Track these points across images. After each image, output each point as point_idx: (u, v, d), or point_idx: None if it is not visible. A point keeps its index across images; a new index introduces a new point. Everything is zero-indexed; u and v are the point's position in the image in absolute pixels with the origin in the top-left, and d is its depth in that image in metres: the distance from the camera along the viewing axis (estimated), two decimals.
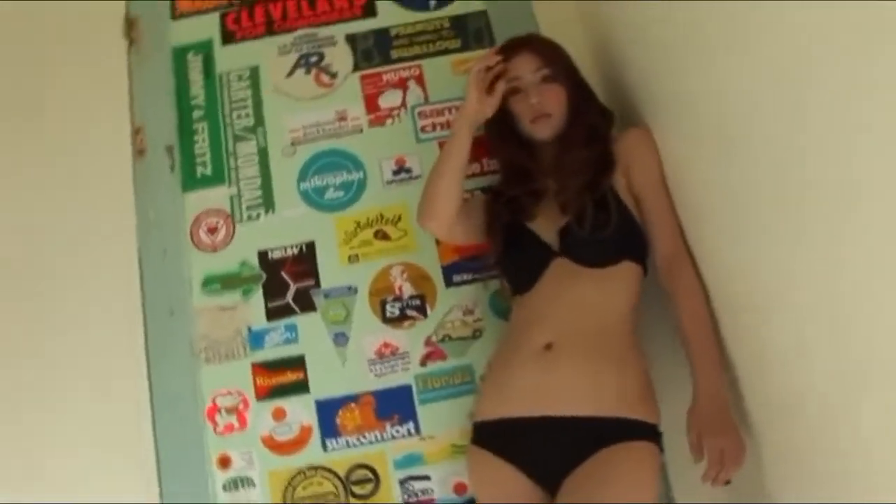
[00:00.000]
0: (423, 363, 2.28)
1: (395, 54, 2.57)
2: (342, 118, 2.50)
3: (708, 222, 1.87)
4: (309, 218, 2.41)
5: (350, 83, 2.55)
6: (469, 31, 2.57)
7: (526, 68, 2.08)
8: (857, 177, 1.23)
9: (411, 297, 2.32)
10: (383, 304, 2.31)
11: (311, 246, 2.38)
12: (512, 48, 2.12)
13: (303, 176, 2.46)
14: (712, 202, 1.81)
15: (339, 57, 2.58)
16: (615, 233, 1.95)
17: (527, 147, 2.14)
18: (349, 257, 2.36)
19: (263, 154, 2.48)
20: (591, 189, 1.99)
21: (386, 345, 2.29)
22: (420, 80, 2.53)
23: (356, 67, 2.57)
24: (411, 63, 2.55)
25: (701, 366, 1.86)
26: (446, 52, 2.56)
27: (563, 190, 2.03)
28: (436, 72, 2.54)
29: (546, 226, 2.04)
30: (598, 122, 2.12)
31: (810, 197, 1.37)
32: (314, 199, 2.43)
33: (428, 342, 2.29)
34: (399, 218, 2.39)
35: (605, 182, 2.01)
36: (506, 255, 2.10)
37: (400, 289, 2.33)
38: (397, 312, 2.31)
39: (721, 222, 1.79)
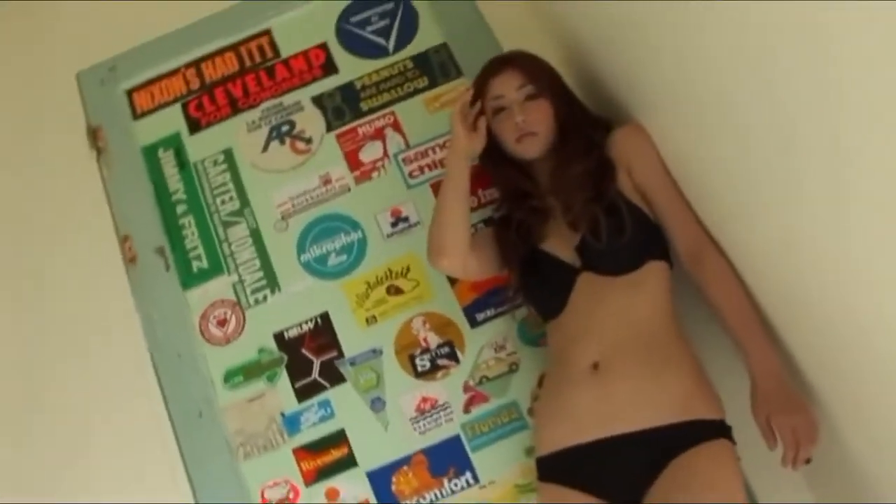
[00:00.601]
0: (466, 410, 2.18)
1: (365, 106, 2.51)
2: (327, 181, 2.43)
3: (717, 203, 1.82)
4: (317, 289, 2.34)
5: (327, 145, 2.49)
6: (434, 67, 2.52)
7: (508, 86, 2.02)
8: (851, 143, 1.19)
9: (439, 346, 2.23)
10: (412, 359, 2.22)
11: (325, 317, 2.30)
12: (493, 67, 2.07)
13: (301, 248, 2.38)
14: (715, 182, 1.75)
15: (311, 121, 2.52)
16: (633, 236, 1.88)
17: (521, 168, 2.08)
18: (367, 320, 2.28)
19: (256, 234, 2.41)
20: (598, 199, 1.92)
21: (425, 399, 2.20)
22: (397, 127, 2.47)
23: (330, 127, 2.50)
24: (384, 111, 2.49)
25: (751, 345, 1.79)
26: (416, 92, 2.50)
27: (569, 208, 1.95)
28: (410, 115, 2.47)
29: (561, 244, 1.96)
30: (590, 133, 2.05)
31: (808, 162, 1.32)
32: (318, 269, 2.35)
33: (467, 387, 2.20)
34: (408, 269, 2.31)
35: (609, 189, 1.94)
36: (527, 282, 2.02)
37: (426, 340, 2.24)
38: (428, 365, 2.22)
39: (727, 201, 1.74)
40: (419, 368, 2.22)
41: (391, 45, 2.57)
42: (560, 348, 1.95)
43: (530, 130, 1.99)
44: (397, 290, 2.30)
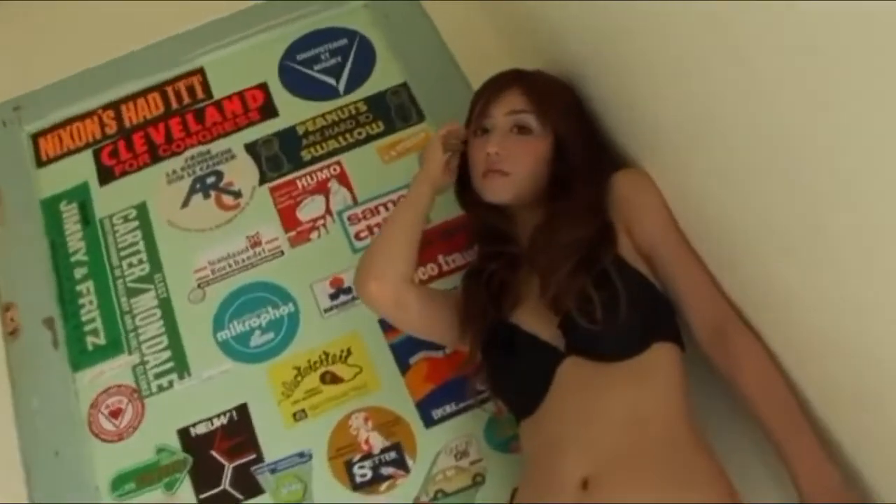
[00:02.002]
0: None
1: (307, 155, 2.05)
2: (256, 243, 1.96)
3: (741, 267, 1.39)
4: (235, 374, 1.83)
5: (259, 199, 2.02)
6: (391, 110, 2.07)
7: (500, 108, 1.59)
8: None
9: (384, 451, 1.71)
10: (349, 466, 1.71)
11: (243, 410, 1.79)
12: (498, 83, 1.64)
13: (219, 324, 1.89)
14: (737, 242, 1.35)
15: (242, 172, 2.06)
16: (632, 311, 1.40)
17: (500, 209, 1.62)
18: (294, 415, 1.77)
19: (166, 305, 1.92)
20: (586, 268, 1.46)
21: None
22: (343, 179, 2.01)
23: (263, 179, 2.04)
24: (329, 161, 2.04)
25: (796, 451, 1.33)
26: (368, 139, 2.05)
27: (547, 284, 1.47)
28: (360, 165, 2.02)
29: (539, 318, 1.48)
30: (598, 192, 1.58)
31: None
32: (238, 350, 1.85)
33: None
34: (348, 353, 1.81)
35: (603, 257, 1.47)
36: (494, 365, 1.53)
37: (367, 443, 1.73)
38: (370, 474, 1.70)
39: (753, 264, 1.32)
40: (358, 479, 1.69)
41: (342, 85, 2.13)
42: (538, 457, 1.44)
43: (500, 168, 1.55)
44: (334, 379, 1.79)
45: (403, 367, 1.78)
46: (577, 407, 1.40)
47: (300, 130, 2.09)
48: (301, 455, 1.73)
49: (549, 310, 1.47)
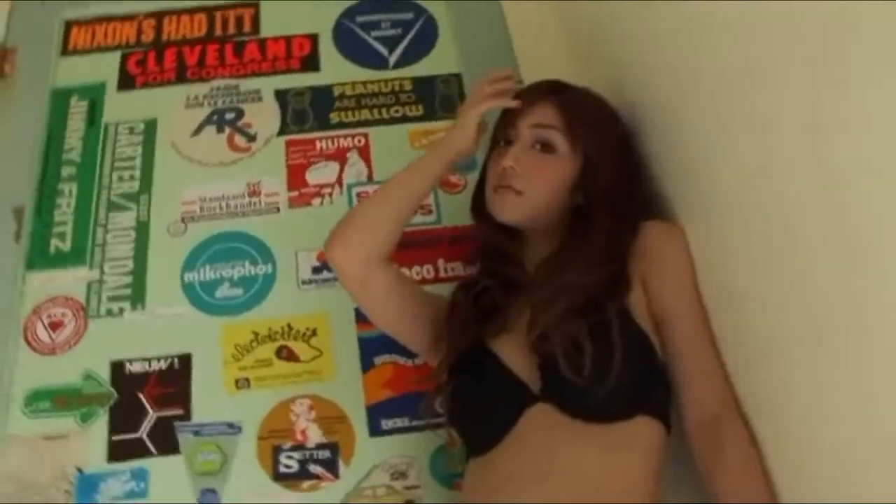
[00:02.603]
0: None
1: (335, 118, 1.88)
2: (254, 193, 1.79)
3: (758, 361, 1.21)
4: (189, 321, 1.67)
5: (272, 149, 1.86)
6: (436, 98, 1.90)
7: (527, 119, 1.41)
8: None
9: (319, 447, 1.53)
10: (277, 451, 1.53)
11: (185, 360, 1.62)
12: (533, 93, 1.45)
13: (190, 263, 1.72)
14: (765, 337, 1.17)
15: (263, 116, 1.89)
16: (625, 373, 1.21)
17: (510, 230, 1.44)
18: (237, 381, 1.59)
19: (143, 230, 1.76)
20: (584, 314, 1.26)
21: None
22: (365, 153, 1.84)
23: (283, 131, 1.88)
24: (355, 130, 1.87)
25: None
26: (404, 119, 1.88)
27: (536, 321, 1.29)
28: (387, 143, 1.85)
29: (520, 354, 1.30)
30: (624, 235, 1.39)
31: None
32: (200, 297, 1.69)
33: None
34: (313, 332, 1.64)
35: (607, 307, 1.27)
36: (457, 390, 1.34)
37: (304, 434, 1.55)
38: (296, 467, 1.52)
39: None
40: (282, 468, 1.52)
41: (393, 58, 1.97)
42: (479, 500, 1.28)
43: (512, 184, 1.37)
44: (290, 355, 1.62)
45: (366, 365, 1.60)
46: (536, 459, 1.22)
47: (336, 91, 1.92)
48: (231, 426, 1.55)
49: (532, 349, 1.31)
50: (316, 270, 1.70)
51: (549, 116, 1.41)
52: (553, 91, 1.45)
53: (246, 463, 1.53)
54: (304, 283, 1.69)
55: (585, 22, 1.78)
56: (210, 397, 1.59)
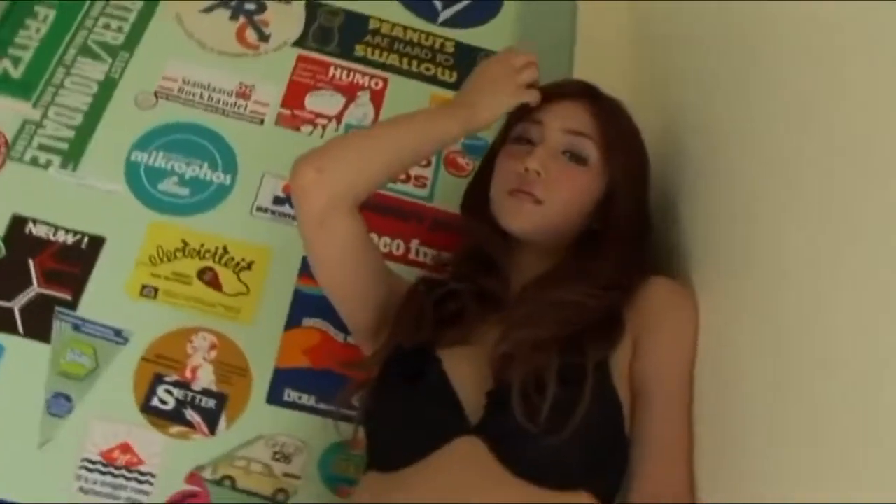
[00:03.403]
0: None
1: (361, 51, 1.62)
2: (243, 95, 1.52)
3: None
4: (117, 204, 1.39)
5: (281, 58, 1.59)
6: None
7: (558, 120, 1.16)
8: None
9: (205, 393, 1.27)
10: (156, 380, 1.26)
11: (97, 243, 1.34)
12: (562, 89, 1.21)
13: (144, 143, 1.45)
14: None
15: (285, 20, 1.62)
16: (582, 436, 0.97)
17: (504, 235, 1.19)
18: (143, 288, 1.32)
19: (109, 88, 1.48)
20: (561, 350, 1.02)
21: (125, 449, 1.22)
22: (378, 98, 1.57)
23: (301, 43, 1.61)
24: (377, 72, 1.60)
25: None
26: (432, 80, 1.61)
27: (504, 339, 1.05)
28: (405, 97, 1.57)
29: (470, 374, 1.05)
30: (619, 277, 1.15)
31: None
32: (141, 182, 1.41)
33: (192, 477, 1.23)
34: (248, 266, 1.37)
35: (588, 351, 1.02)
36: (382, 393, 1.09)
37: (194, 371, 1.28)
38: (171, 405, 1.25)
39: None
40: (154, 401, 1.25)
41: (444, 15, 1.70)
42: None
43: (533, 191, 1.13)
44: (213, 282, 1.35)
45: (293, 321, 1.34)
46: (445, 498, 0.97)
47: (372, 25, 1.66)
48: (117, 333, 1.28)
49: (489, 369, 1.07)
50: (277, 201, 1.43)
51: (585, 123, 1.16)
52: (589, 95, 1.20)
53: (117, 380, 1.26)
54: (258, 209, 1.43)
55: (654, 47, 1.56)
56: (107, 294, 1.32)
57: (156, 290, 1.33)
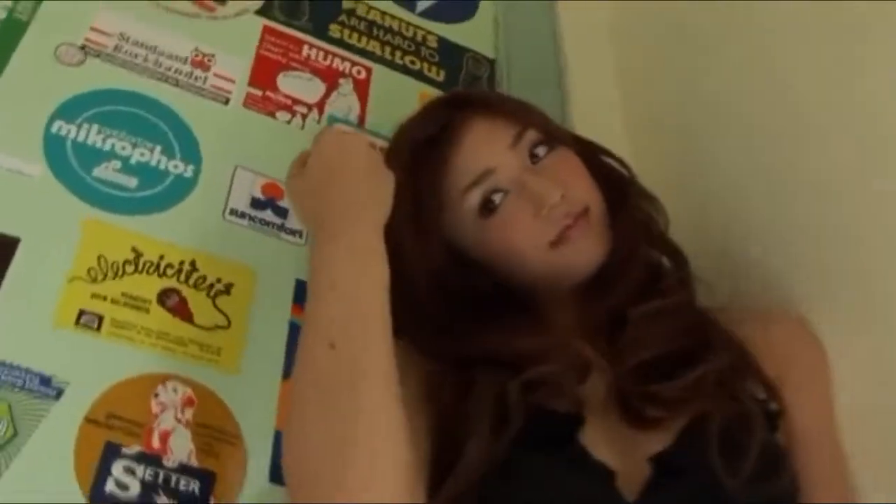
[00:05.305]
0: None
1: (335, 32, 1.20)
2: (201, 65, 1.05)
3: None
4: (37, 191, 0.87)
5: (242, 26, 1.13)
6: (462, 72, 1.27)
7: (495, 146, 0.83)
8: None
9: (183, 471, 0.78)
10: (109, 455, 0.75)
11: (7, 247, 0.82)
12: (448, 128, 0.85)
13: (67, 112, 0.94)
14: None
15: None
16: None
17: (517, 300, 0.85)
18: (79, 315, 0.82)
19: (13, 31, 0.95)
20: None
21: None
22: (362, 88, 1.16)
23: (266, 13, 1.16)
24: (358, 58, 1.19)
25: None
26: (420, 76, 1.23)
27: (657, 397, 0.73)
28: (392, 92, 1.18)
29: (608, 441, 0.74)
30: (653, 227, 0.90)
31: None
32: (67, 164, 0.91)
33: None
34: (226, 290, 0.90)
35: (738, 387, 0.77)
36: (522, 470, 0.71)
37: (164, 439, 0.79)
38: (134, 491, 0.75)
39: None
40: (108, 486, 0.73)
41: (422, 4, 1.32)
42: None
43: (575, 210, 0.80)
44: (180, 309, 0.87)
45: (291, 366, 0.80)
46: None
47: (346, 5, 1.24)
48: (44, 381, 0.77)
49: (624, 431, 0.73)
50: (256, 205, 0.97)
51: (510, 124, 0.85)
52: (469, 102, 0.89)
53: (49, 453, 0.74)
54: (232, 212, 0.96)
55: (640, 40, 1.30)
56: (24, 322, 0.80)
57: (99, 318, 0.82)
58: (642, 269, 0.85)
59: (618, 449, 0.74)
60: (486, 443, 0.71)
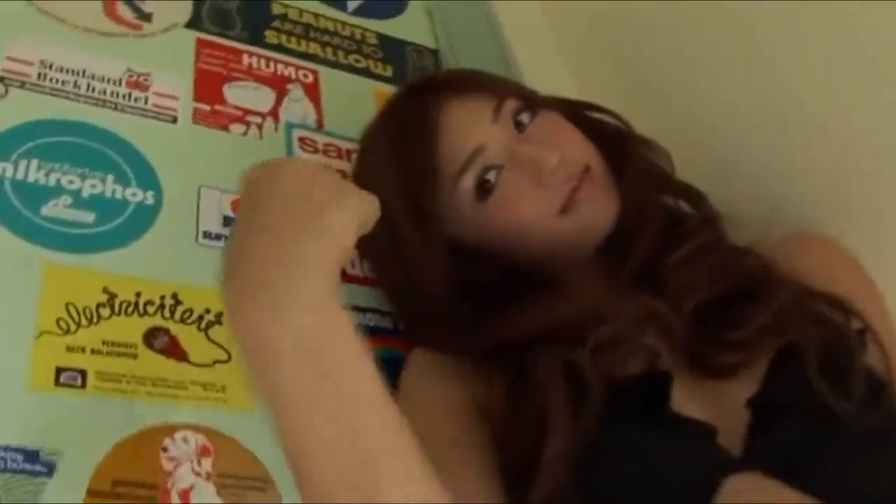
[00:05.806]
0: None
1: (272, 38, 1.08)
2: (138, 85, 0.92)
3: None
4: None
5: (174, 41, 1.00)
6: (409, 65, 1.17)
7: (478, 123, 0.75)
8: None
9: None
10: None
11: None
12: (428, 117, 0.76)
13: (0, 148, 0.80)
14: None
15: None
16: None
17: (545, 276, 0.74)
18: (58, 374, 0.68)
19: None
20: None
21: None
22: (313, 92, 1.05)
23: (195, 25, 1.03)
24: (301, 62, 1.07)
25: None
26: (368, 74, 1.12)
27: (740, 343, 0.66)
28: (345, 94, 1.07)
29: (692, 397, 0.65)
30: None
31: None
32: (9, 206, 0.75)
33: None
34: (219, 318, 0.76)
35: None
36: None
37: (185, 497, 0.65)
38: None
39: None
40: None
41: (350, 4, 1.21)
42: None
43: (576, 171, 0.72)
44: (172, 349, 0.73)
45: None
46: None
47: (276, 10, 1.12)
48: (32, 458, 0.62)
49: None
50: (230, 223, 0.86)
51: (488, 98, 0.77)
52: (444, 87, 0.80)
53: None
54: (206, 235, 0.83)
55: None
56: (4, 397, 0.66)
57: (82, 373, 0.68)
58: (660, 216, 0.79)
59: (703, 403, 0.66)
60: (568, 428, 0.61)
